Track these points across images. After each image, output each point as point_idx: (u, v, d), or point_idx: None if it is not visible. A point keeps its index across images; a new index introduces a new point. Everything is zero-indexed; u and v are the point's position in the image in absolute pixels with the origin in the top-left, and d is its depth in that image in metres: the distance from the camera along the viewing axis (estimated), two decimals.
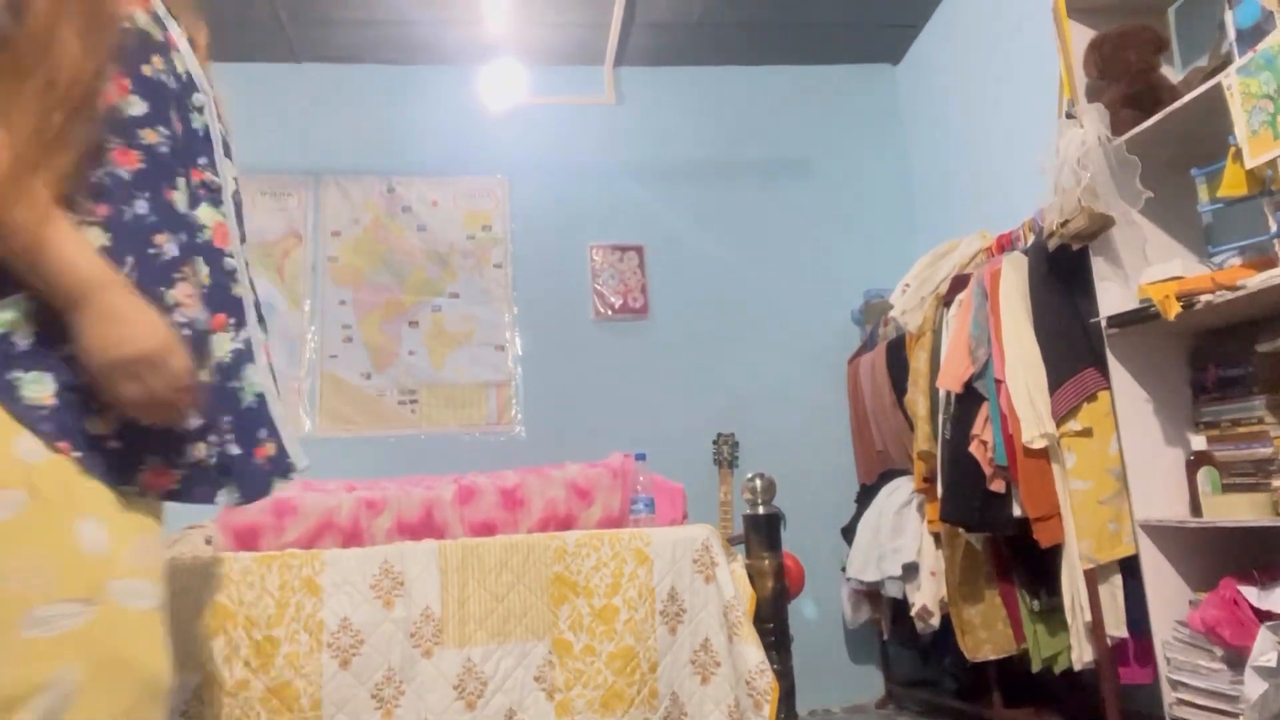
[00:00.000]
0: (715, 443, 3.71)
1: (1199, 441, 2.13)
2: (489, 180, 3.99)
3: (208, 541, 2.03)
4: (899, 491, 3.12)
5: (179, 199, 1.14)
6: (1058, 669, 2.46)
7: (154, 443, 1.08)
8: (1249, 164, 1.77)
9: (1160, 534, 2.11)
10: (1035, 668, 2.50)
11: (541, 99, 4.06)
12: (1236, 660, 1.84)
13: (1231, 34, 1.89)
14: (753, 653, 1.89)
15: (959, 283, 2.73)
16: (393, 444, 3.67)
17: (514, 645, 1.86)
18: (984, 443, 2.43)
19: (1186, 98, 1.94)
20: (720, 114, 4.17)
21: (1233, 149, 1.83)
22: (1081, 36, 2.30)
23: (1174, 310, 1.91)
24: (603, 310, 3.92)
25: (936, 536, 2.84)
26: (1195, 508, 2.07)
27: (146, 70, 1.13)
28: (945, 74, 3.83)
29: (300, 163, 3.90)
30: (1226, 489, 2.03)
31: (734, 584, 1.97)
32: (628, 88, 4.15)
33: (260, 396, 1.24)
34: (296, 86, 3.97)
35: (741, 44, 4.06)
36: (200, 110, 1.24)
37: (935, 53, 3.92)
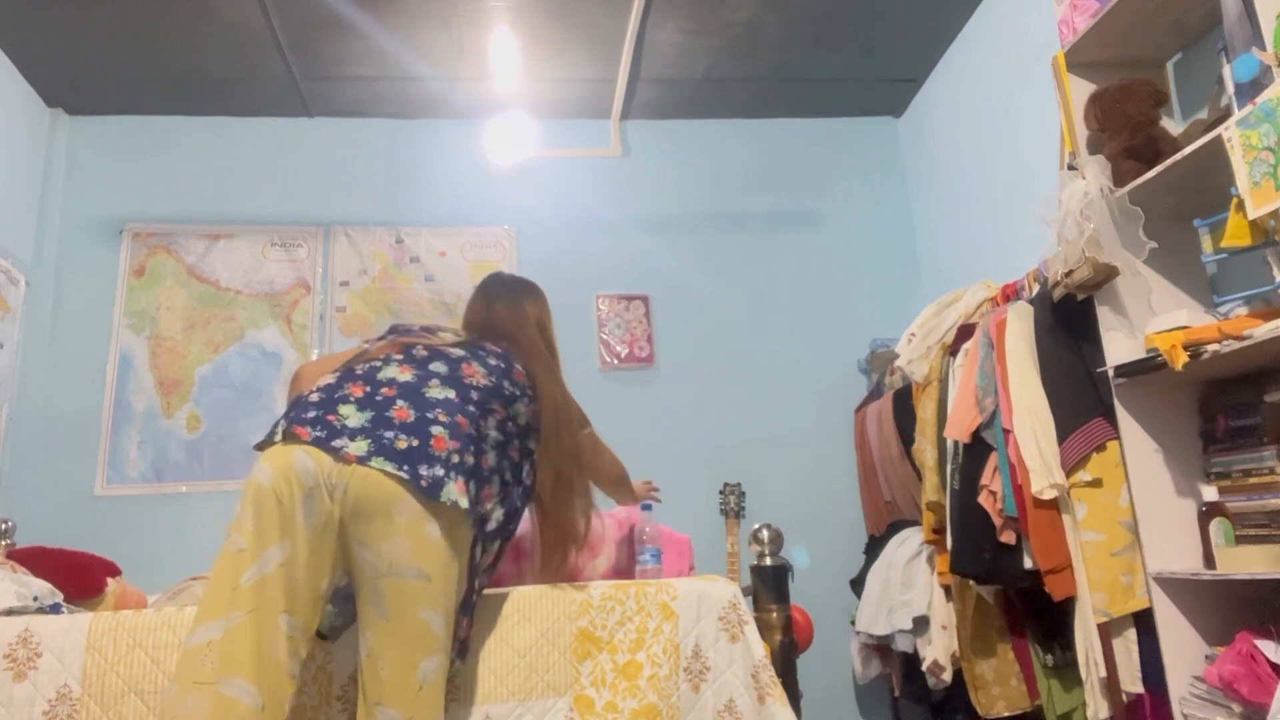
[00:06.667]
0: (722, 493, 3.68)
1: (1210, 492, 2.11)
2: (496, 231, 4.03)
3: None
4: (908, 543, 3.08)
5: None
6: None
7: None
8: (1251, 215, 1.78)
9: (1174, 587, 2.08)
10: None
11: (549, 151, 4.11)
12: (1255, 716, 1.80)
13: (1230, 87, 1.91)
14: (780, 713, 1.85)
15: (964, 332, 2.73)
16: None
17: (535, 703, 1.81)
18: (993, 493, 2.41)
19: (1187, 150, 1.96)
20: (725, 166, 4.22)
21: (1235, 200, 1.84)
22: (1082, 90, 2.33)
23: (1181, 360, 1.91)
24: (609, 360, 3.93)
25: (947, 589, 2.80)
26: (1209, 560, 2.04)
27: None
28: (947, 127, 3.88)
29: (310, 214, 3.95)
30: (1240, 540, 2.00)
31: (763, 644, 1.93)
32: (634, 140, 4.21)
33: None
34: (308, 140, 4.04)
35: (745, 98, 4.12)
36: None
37: (937, 106, 3.98)
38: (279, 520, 1.52)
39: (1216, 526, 2.03)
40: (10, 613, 1.84)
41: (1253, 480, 2.00)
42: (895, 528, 3.30)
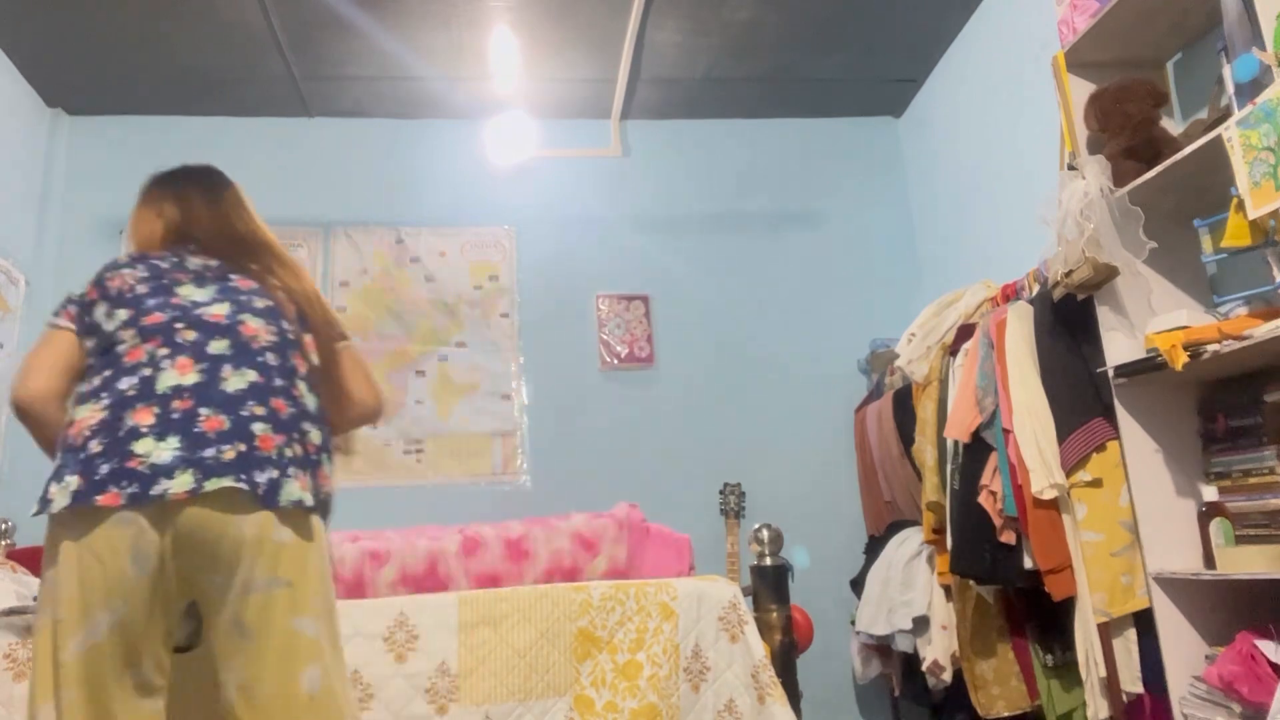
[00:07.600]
0: (722, 493, 3.69)
1: (1210, 492, 2.11)
2: (496, 231, 4.03)
3: None
4: (908, 543, 3.08)
5: None
6: None
7: None
8: (1251, 215, 1.78)
9: (1174, 587, 2.08)
10: None
11: (548, 151, 4.11)
12: (1255, 716, 1.80)
13: (1230, 87, 1.91)
14: (780, 713, 1.85)
15: (964, 332, 2.73)
16: (398, 494, 3.65)
17: (535, 703, 1.81)
18: (993, 493, 2.41)
19: (1187, 150, 1.96)
20: (725, 166, 4.22)
21: (1235, 200, 1.84)
22: (1082, 90, 2.33)
23: (1181, 360, 1.91)
24: (609, 360, 3.93)
25: (947, 589, 2.80)
26: (1209, 560, 2.04)
27: None
28: (947, 127, 3.88)
29: (310, 214, 3.95)
30: (1240, 540, 2.00)
31: (763, 644, 1.93)
32: (634, 140, 4.21)
33: None
34: (308, 140, 4.04)
35: (745, 98, 4.12)
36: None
37: (936, 106, 3.98)
38: (103, 582, 1.35)
39: (1216, 526, 2.03)
40: (10, 613, 1.84)
41: (1253, 480, 2.00)
42: (895, 528, 3.30)
